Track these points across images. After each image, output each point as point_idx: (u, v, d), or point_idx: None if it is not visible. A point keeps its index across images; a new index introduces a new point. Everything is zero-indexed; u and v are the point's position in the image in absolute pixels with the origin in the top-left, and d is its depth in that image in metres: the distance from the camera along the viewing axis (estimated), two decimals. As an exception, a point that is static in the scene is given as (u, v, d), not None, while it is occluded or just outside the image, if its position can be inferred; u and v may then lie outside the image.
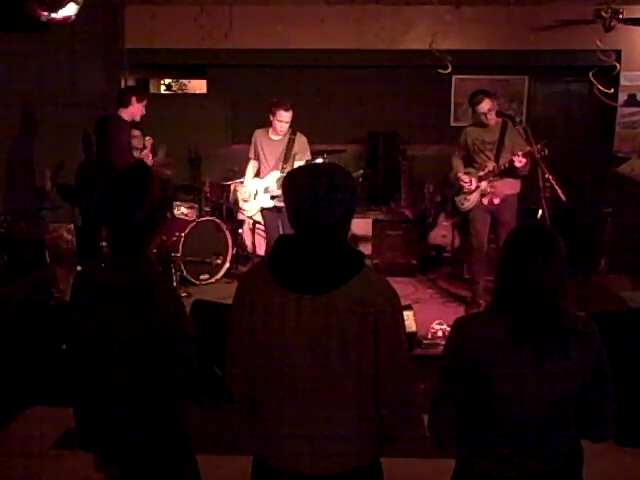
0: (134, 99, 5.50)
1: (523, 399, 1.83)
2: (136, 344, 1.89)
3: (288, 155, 5.43)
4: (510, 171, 5.00)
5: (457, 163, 5.31)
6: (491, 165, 5.09)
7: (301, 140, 5.50)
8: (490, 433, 1.87)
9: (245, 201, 5.73)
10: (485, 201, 5.15)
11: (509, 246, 1.90)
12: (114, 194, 1.90)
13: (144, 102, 5.59)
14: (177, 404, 1.98)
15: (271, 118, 5.34)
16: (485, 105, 5.01)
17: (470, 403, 1.87)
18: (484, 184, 5.13)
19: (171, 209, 6.21)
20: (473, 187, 5.15)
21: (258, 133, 5.55)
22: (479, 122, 5.14)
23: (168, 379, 1.93)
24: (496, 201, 5.11)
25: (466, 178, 5.15)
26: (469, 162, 5.27)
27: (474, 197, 5.18)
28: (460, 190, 5.23)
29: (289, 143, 5.45)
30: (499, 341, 1.82)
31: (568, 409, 1.87)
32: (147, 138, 5.83)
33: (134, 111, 5.53)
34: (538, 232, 1.91)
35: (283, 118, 5.29)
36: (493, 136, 5.10)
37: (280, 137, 5.44)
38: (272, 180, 5.46)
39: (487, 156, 5.13)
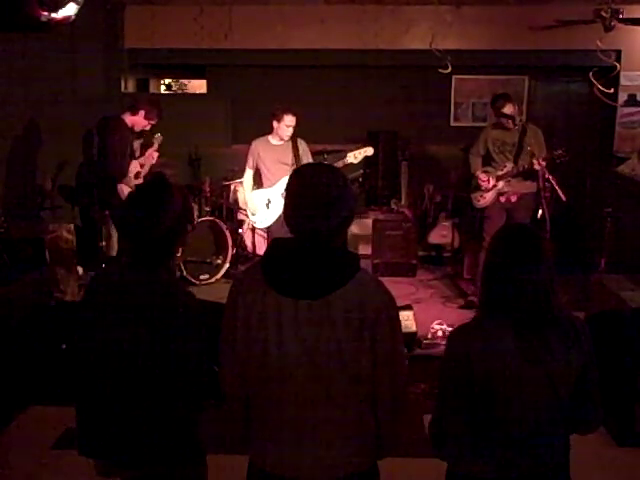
0: (142, 112, 5.45)
1: (530, 402, 1.83)
2: (150, 360, 1.92)
3: (299, 158, 5.39)
4: (527, 172, 5.08)
5: (475, 161, 5.43)
6: (510, 166, 5.20)
7: (303, 144, 5.48)
8: (493, 437, 1.87)
9: (254, 214, 5.58)
10: (502, 199, 5.27)
11: (497, 252, 1.91)
12: (136, 209, 1.94)
13: (151, 120, 5.52)
14: (190, 411, 2.04)
15: (275, 124, 5.30)
16: (506, 110, 5.11)
17: (473, 411, 1.86)
18: (501, 184, 5.23)
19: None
20: (490, 186, 5.26)
21: (256, 143, 5.47)
22: (499, 124, 5.22)
23: (181, 391, 1.98)
24: (513, 199, 5.23)
25: (484, 177, 5.28)
26: (487, 161, 5.39)
27: (490, 195, 5.29)
28: (477, 187, 5.34)
29: (294, 147, 5.41)
30: (505, 347, 1.81)
31: (565, 408, 1.89)
32: (157, 135, 5.78)
33: (137, 121, 5.48)
34: (524, 235, 1.91)
35: (291, 122, 5.26)
36: (513, 138, 5.20)
37: (282, 142, 5.39)
38: None
39: (506, 157, 5.26)
